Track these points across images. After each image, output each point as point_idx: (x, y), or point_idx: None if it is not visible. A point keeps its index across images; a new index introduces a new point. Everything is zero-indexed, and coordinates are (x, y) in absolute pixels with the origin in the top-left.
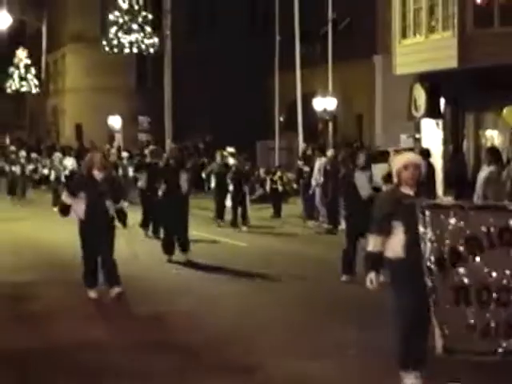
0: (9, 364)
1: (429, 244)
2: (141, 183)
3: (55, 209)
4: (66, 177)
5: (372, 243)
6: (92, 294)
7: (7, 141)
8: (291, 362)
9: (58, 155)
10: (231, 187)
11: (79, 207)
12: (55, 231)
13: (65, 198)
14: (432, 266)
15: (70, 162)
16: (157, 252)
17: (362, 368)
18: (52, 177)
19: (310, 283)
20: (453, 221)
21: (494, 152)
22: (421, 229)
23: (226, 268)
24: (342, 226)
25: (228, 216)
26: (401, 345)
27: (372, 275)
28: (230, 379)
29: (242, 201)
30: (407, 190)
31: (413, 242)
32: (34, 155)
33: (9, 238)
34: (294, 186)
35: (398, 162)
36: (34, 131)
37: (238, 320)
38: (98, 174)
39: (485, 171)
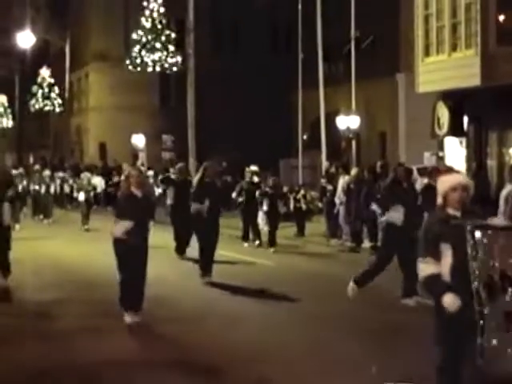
0: (34, 381)
1: (478, 266)
2: (169, 200)
3: (85, 226)
4: (95, 195)
5: (425, 268)
6: (128, 318)
7: (31, 160)
8: (314, 380)
9: (86, 175)
10: (265, 207)
11: (119, 226)
12: (79, 250)
13: (120, 226)
14: (481, 290)
15: (97, 180)
16: (182, 271)
17: None
18: (81, 197)
19: (334, 302)
20: (503, 242)
21: None
22: (469, 251)
23: (253, 287)
24: (365, 244)
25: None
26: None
27: (450, 296)
28: None
29: (275, 221)
30: (453, 212)
31: (461, 264)
32: (60, 174)
33: (33, 257)
34: (319, 204)
35: (445, 182)
36: (57, 150)
37: (262, 339)
38: (137, 192)
39: (507, 189)
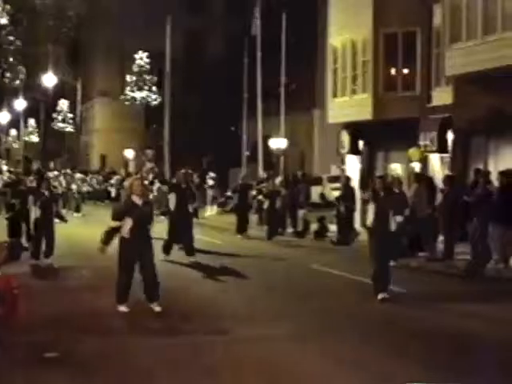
0: (51, 323)
1: None
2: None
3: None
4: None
5: None
6: (122, 308)
7: (51, 165)
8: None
9: (117, 177)
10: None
11: (126, 226)
12: (95, 233)
13: (113, 224)
14: None
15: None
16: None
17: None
18: (113, 194)
19: (263, 267)
20: None
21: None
22: None
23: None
24: (289, 229)
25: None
26: None
27: None
28: (208, 338)
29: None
30: None
31: None
32: (90, 177)
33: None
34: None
35: None
36: (70, 159)
37: (212, 295)
38: (137, 199)
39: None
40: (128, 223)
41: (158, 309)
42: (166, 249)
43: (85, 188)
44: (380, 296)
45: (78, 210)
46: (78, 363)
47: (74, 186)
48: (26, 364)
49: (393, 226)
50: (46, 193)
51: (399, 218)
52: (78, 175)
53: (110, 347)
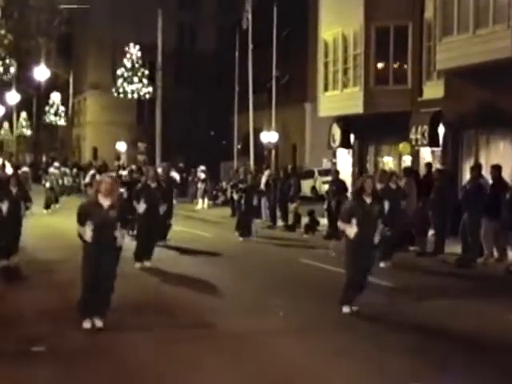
0: (37, 318)
1: None
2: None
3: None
4: None
5: None
6: (85, 324)
7: (44, 158)
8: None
9: (91, 172)
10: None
11: (87, 231)
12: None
13: (80, 230)
14: None
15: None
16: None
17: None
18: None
19: (255, 259)
20: None
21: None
22: None
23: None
24: (279, 223)
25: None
26: None
27: None
28: (192, 332)
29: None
30: None
31: None
32: (62, 170)
33: (44, 231)
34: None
35: None
36: (63, 152)
37: (200, 290)
38: (104, 200)
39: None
40: (89, 226)
41: (98, 324)
42: (138, 257)
43: (55, 184)
44: (345, 309)
45: (47, 206)
46: (65, 357)
47: (47, 183)
48: (12, 357)
49: (376, 239)
50: (14, 189)
51: (380, 226)
52: (52, 170)
53: (97, 342)
